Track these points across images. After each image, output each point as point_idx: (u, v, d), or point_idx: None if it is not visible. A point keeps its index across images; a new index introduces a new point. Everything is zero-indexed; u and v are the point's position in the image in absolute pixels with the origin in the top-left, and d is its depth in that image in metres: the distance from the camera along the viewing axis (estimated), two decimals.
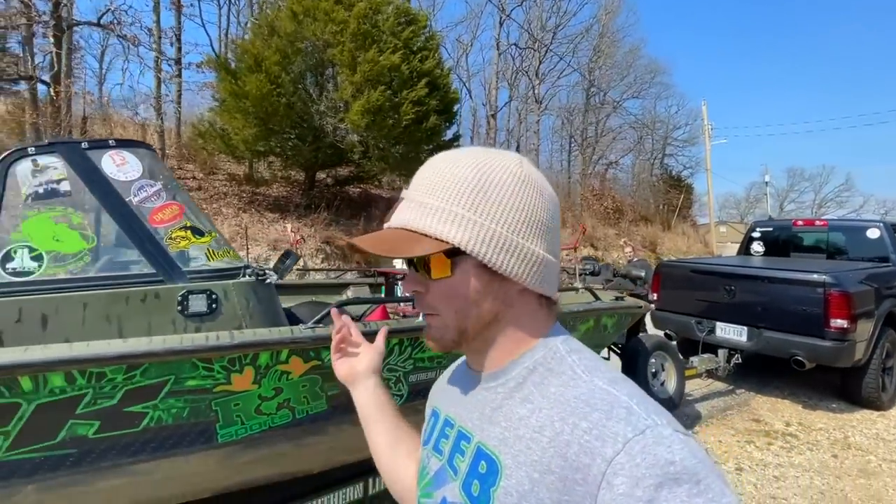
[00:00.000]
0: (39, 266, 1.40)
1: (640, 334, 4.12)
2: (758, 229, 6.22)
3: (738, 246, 6.70)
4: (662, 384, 3.89)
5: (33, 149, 1.50)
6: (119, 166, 1.53)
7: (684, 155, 30.50)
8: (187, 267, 1.54)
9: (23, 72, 11.55)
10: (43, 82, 11.03)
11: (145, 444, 1.37)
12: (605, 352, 3.88)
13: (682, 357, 4.29)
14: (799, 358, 4.12)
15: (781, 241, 5.97)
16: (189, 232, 1.57)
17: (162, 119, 12.74)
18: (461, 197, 0.55)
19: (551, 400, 0.54)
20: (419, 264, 0.58)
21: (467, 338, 0.59)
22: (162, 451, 1.39)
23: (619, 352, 3.98)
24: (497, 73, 21.96)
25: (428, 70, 10.74)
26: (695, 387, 4.82)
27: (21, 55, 12.55)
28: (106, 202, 1.48)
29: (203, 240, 1.60)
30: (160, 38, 13.28)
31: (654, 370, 3.83)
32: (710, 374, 4.56)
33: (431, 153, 0.67)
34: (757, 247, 6.03)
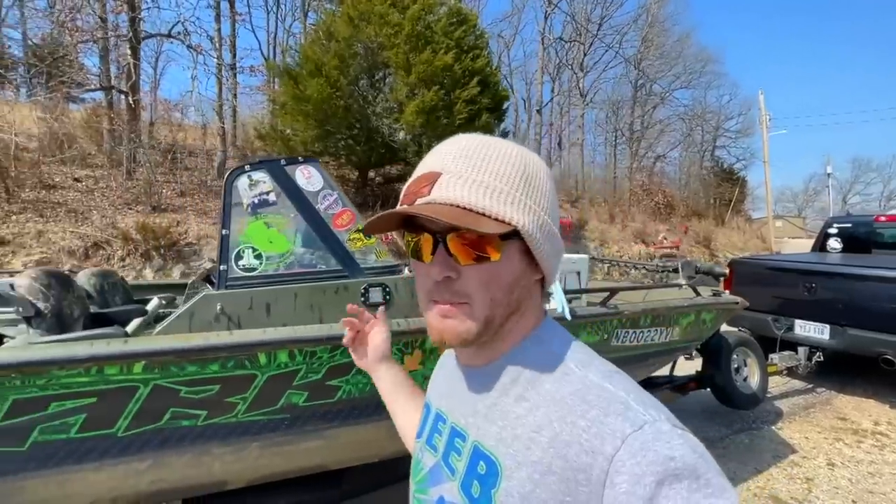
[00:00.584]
0: (260, 263, 1.67)
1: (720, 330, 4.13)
2: (835, 225, 6.04)
3: (797, 241, 6.56)
4: (745, 379, 3.90)
5: (248, 166, 1.77)
6: (307, 179, 1.78)
7: (737, 146, 29.36)
8: (364, 264, 1.77)
9: (102, 82, 12.49)
10: (121, 91, 11.87)
11: (337, 413, 1.60)
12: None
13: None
14: (889, 357, 4.03)
15: (861, 237, 5.78)
16: (360, 234, 1.80)
17: (223, 122, 13.40)
18: (516, 180, 0.53)
19: (547, 398, 0.53)
20: (455, 247, 0.53)
21: (491, 329, 0.56)
22: (349, 420, 1.62)
23: (699, 347, 4.02)
24: (541, 68, 21.82)
25: (479, 69, 10.88)
26: (773, 385, 4.77)
27: (100, 66, 13.54)
28: (302, 210, 1.74)
29: (370, 241, 1.83)
30: (220, 45, 14.05)
31: (736, 366, 3.84)
32: (791, 371, 4.51)
33: None
34: (834, 243, 5.86)
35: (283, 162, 1.80)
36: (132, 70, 11.66)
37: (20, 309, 1.50)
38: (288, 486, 1.73)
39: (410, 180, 0.56)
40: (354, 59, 10.31)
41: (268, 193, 1.72)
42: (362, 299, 1.69)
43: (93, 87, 12.47)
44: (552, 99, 24.02)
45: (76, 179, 9.64)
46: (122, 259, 7.86)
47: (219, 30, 13.99)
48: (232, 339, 1.36)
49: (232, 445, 1.47)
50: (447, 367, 0.70)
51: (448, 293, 0.55)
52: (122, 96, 11.91)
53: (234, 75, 15.34)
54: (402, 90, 10.03)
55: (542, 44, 21.63)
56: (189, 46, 12.16)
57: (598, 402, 0.49)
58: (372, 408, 1.66)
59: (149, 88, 15.34)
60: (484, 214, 0.51)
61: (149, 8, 12.12)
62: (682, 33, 25.56)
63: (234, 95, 14.94)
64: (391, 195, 12.14)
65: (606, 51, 22.51)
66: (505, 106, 12.48)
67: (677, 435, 0.46)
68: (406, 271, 1.82)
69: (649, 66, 23.81)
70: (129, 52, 11.44)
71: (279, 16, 19.07)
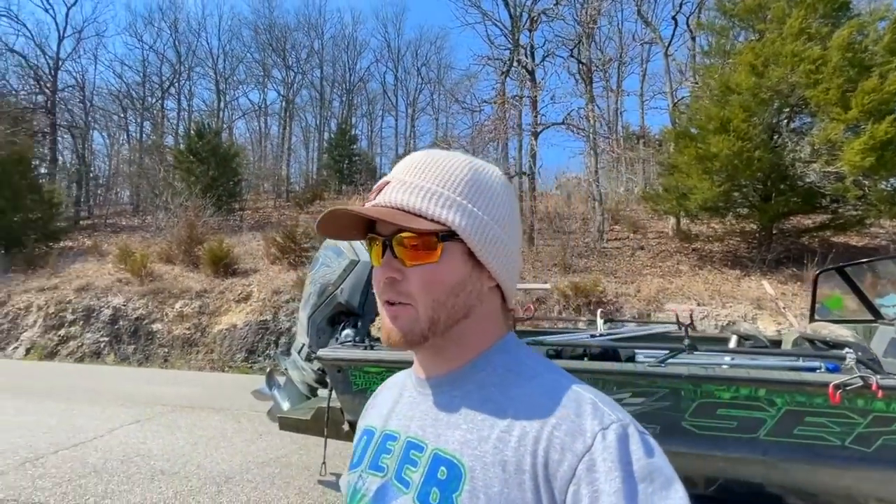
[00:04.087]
0: None
1: None
2: None
3: None
4: None
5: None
6: None
7: None
8: None
9: (508, 170, 15.80)
10: (525, 174, 14.68)
11: None
12: None
13: None
14: None
15: None
16: None
17: (600, 192, 14.61)
18: (458, 186, 0.56)
19: (516, 400, 0.54)
20: (399, 249, 0.56)
21: (436, 331, 0.56)
22: None
23: None
24: None
25: None
26: None
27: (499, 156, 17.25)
28: None
29: None
30: (595, 120, 15.68)
31: None
32: None
33: None
34: None
35: None
36: (533, 157, 14.32)
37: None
38: None
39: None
40: (762, 107, 9.68)
41: None
42: None
43: (511, 174, 15.80)
44: None
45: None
46: (560, 312, 9.37)
47: (591, 102, 15.73)
48: None
49: None
50: (396, 386, 0.70)
51: (393, 293, 0.56)
52: (524, 177, 14.75)
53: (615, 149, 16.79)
54: (836, 129, 8.70)
55: None
56: (572, 127, 14.11)
57: (568, 402, 0.50)
58: None
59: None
60: (421, 216, 0.54)
61: (546, 105, 14.83)
62: None
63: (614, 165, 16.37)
64: (803, 248, 10.49)
65: None
66: None
67: (640, 437, 0.48)
68: None
69: None
70: (532, 141, 14.16)
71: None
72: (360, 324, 3.46)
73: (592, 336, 3.39)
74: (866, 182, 8.71)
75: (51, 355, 10.76)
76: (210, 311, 11.02)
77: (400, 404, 0.65)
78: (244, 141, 25.44)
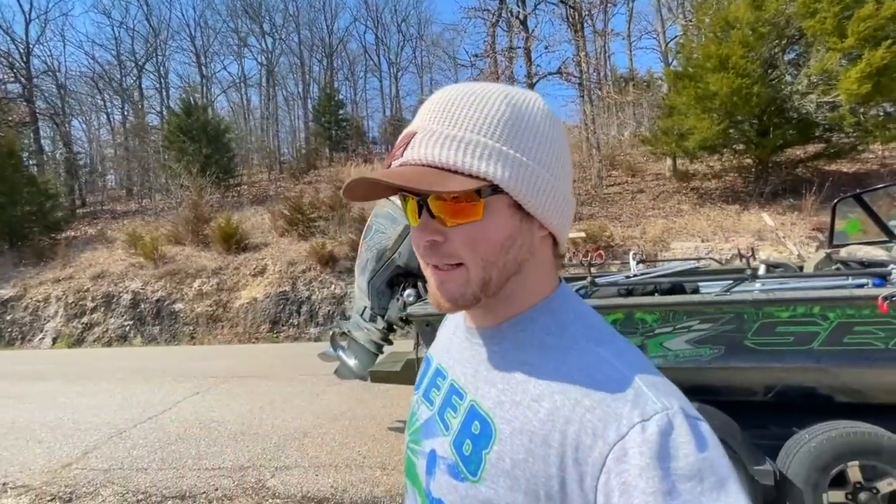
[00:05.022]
0: None
1: None
2: None
3: None
4: None
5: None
6: None
7: None
8: None
9: None
10: None
11: None
12: None
13: None
14: None
15: None
16: None
17: (597, 139, 14.68)
18: (496, 129, 0.48)
19: (551, 368, 0.50)
20: (436, 208, 0.50)
21: (489, 291, 0.52)
22: None
23: None
24: None
25: None
26: None
27: None
28: None
29: None
30: (588, 66, 15.49)
31: None
32: None
33: None
34: None
35: None
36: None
37: None
38: None
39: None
40: (760, 40, 9.72)
41: None
42: None
43: None
44: None
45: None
46: (569, 259, 9.74)
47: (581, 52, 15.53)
48: None
49: None
50: (453, 323, 0.68)
51: (437, 256, 0.52)
52: None
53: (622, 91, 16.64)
54: (832, 58, 8.83)
55: None
56: (578, 82, 14.00)
57: (607, 382, 0.46)
58: None
59: None
60: (457, 172, 0.47)
61: (541, 56, 14.64)
62: None
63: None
64: (798, 179, 10.84)
65: None
66: None
67: (689, 429, 0.42)
68: None
69: None
70: None
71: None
72: (419, 283, 3.74)
73: (627, 277, 3.70)
74: (861, 109, 8.95)
75: (78, 342, 11.02)
76: (228, 287, 11.25)
77: (453, 342, 0.64)
78: (227, 115, 24.78)
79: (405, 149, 0.50)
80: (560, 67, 13.66)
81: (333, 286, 10.58)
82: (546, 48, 14.00)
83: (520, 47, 14.01)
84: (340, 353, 4.36)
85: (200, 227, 13.01)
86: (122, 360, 8.71)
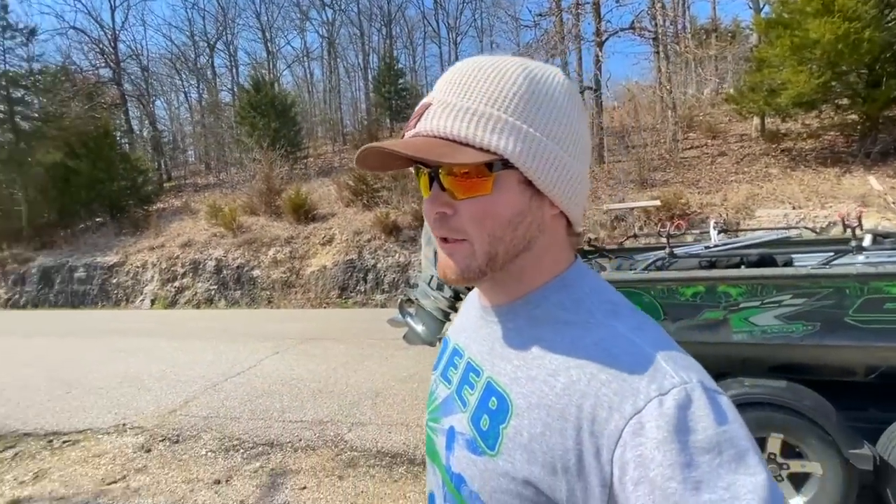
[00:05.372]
0: None
1: None
2: None
3: None
4: None
5: None
6: None
7: None
8: None
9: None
10: (590, 89, 13.86)
11: None
12: None
13: None
14: None
15: None
16: None
17: (673, 99, 13.60)
18: (510, 102, 0.48)
19: (567, 343, 0.50)
20: (447, 181, 0.50)
21: (495, 266, 0.52)
22: None
23: None
24: None
25: None
26: None
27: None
28: None
29: None
30: (664, 19, 14.28)
31: None
32: None
33: None
34: None
35: None
36: (599, 69, 13.45)
37: None
38: None
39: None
40: None
41: None
42: None
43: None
44: None
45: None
46: (640, 228, 9.31)
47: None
48: None
49: None
50: (470, 302, 0.68)
51: (445, 229, 0.52)
52: (588, 93, 13.98)
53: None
54: None
55: None
56: (653, 36, 12.98)
57: (624, 356, 0.46)
58: None
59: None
60: (468, 144, 0.47)
61: (611, 10, 13.64)
62: None
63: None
64: None
65: None
66: None
67: (707, 402, 0.41)
68: None
69: None
70: (598, 51, 13.25)
71: None
72: None
73: (707, 248, 3.47)
74: None
75: (172, 304, 12.22)
76: (300, 255, 11.90)
77: (469, 321, 0.65)
78: (292, 89, 25.57)
79: (419, 120, 0.50)
80: (633, 22, 12.68)
81: (398, 255, 10.87)
82: (617, 2, 13.03)
83: (588, 2, 13.13)
84: (408, 319, 4.51)
85: (273, 198, 13.74)
86: (209, 320, 9.57)
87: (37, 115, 17.10)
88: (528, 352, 0.52)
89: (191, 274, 12.52)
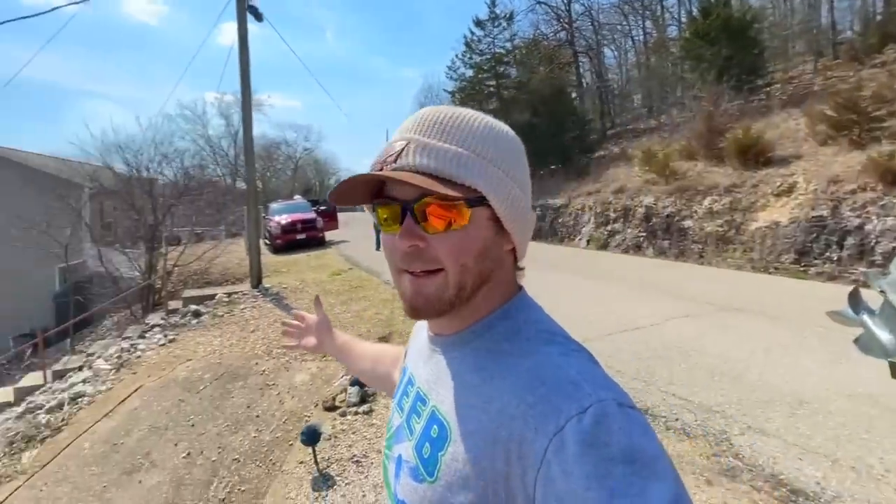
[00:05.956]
0: None
1: None
2: None
3: None
4: None
5: None
6: None
7: None
8: None
9: None
10: None
11: None
12: None
13: None
14: None
15: None
16: None
17: None
18: (482, 147, 0.54)
19: (503, 371, 0.53)
20: (424, 214, 0.53)
21: (462, 297, 0.55)
22: None
23: None
24: None
25: None
26: None
27: None
28: None
29: None
30: None
31: None
32: None
33: None
34: None
35: None
36: None
37: None
38: None
39: (376, 157, 0.56)
40: None
41: None
42: None
43: None
44: None
45: None
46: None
47: None
48: None
49: None
50: (419, 332, 0.71)
51: (419, 262, 0.54)
52: None
53: None
54: None
55: None
56: None
57: (550, 379, 0.48)
58: None
59: None
60: (451, 181, 0.51)
61: None
62: None
63: None
64: None
65: None
66: None
67: (621, 418, 0.44)
68: None
69: None
70: None
71: None
72: None
73: None
74: None
75: (603, 246, 13.05)
76: (743, 206, 9.96)
77: (421, 352, 0.67)
78: (759, 1, 20.92)
79: (398, 157, 0.53)
80: None
81: None
82: None
83: None
84: (865, 317, 2.75)
85: (714, 139, 11.99)
86: (629, 269, 9.56)
87: (514, 84, 21.39)
88: (470, 380, 0.55)
89: (621, 220, 12.89)
